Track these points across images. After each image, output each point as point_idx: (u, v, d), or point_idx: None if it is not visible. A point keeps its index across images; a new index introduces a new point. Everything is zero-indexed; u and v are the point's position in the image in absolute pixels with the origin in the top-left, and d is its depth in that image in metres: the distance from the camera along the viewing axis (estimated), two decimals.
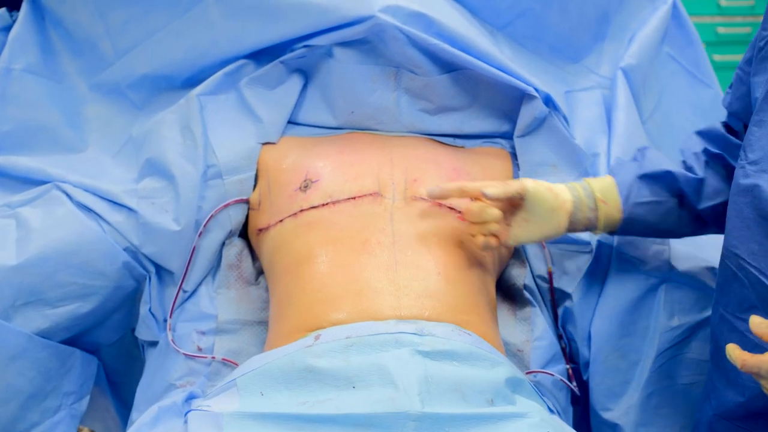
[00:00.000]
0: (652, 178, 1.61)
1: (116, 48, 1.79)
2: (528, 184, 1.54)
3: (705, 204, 1.59)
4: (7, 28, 1.79)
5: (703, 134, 1.65)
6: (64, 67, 1.82)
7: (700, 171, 1.59)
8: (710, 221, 1.60)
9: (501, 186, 1.52)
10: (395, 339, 1.36)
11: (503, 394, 1.36)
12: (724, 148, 1.58)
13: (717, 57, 3.12)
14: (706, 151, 1.61)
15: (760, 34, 1.44)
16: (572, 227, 1.58)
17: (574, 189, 1.59)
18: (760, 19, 3.18)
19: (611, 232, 1.64)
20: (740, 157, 1.41)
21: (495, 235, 1.55)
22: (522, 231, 1.56)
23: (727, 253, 1.42)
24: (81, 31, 1.80)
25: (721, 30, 3.14)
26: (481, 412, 1.30)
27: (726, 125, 1.61)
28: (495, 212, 1.52)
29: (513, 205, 1.55)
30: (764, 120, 1.38)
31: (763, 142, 1.37)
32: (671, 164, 1.62)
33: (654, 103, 1.99)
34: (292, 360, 1.36)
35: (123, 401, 1.89)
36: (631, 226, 1.61)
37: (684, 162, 1.63)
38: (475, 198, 1.54)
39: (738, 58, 2.95)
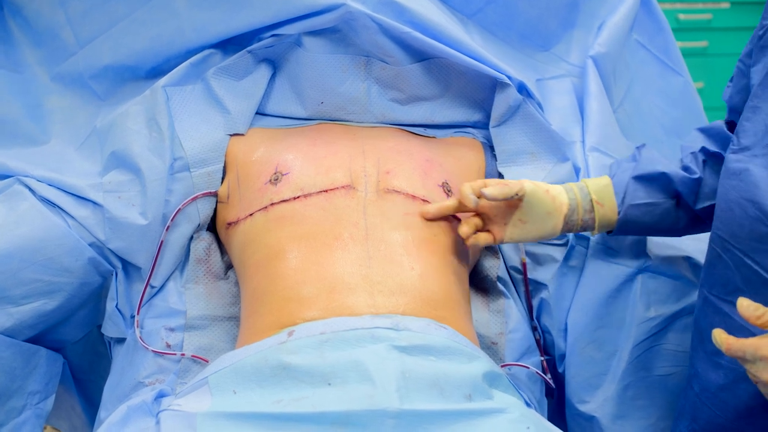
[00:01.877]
0: (647, 180, 1.60)
1: (78, 37, 1.75)
2: (527, 185, 1.53)
3: (702, 204, 1.59)
4: None
5: (704, 131, 1.64)
6: (24, 57, 1.77)
7: (697, 170, 1.58)
8: (709, 220, 1.58)
9: (500, 187, 1.51)
10: (371, 334, 1.34)
11: (481, 389, 1.34)
12: (723, 146, 1.57)
13: (678, 44, 3.12)
14: (704, 150, 1.60)
15: (760, 24, 1.43)
16: (568, 228, 1.58)
17: (571, 191, 1.59)
18: (721, 5, 3.21)
19: (608, 233, 1.64)
20: (732, 142, 1.41)
21: (489, 231, 1.56)
22: (517, 231, 1.56)
23: (713, 236, 1.42)
24: (41, 20, 1.75)
25: (682, 17, 3.14)
26: (460, 408, 1.28)
27: (727, 123, 1.59)
28: (465, 229, 1.55)
29: (510, 205, 1.55)
30: (759, 106, 1.38)
31: (756, 128, 1.37)
32: (667, 164, 1.61)
33: (624, 91, 1.98)
34: (266, 357, 1.33)
35: (89, 399, 1.84)
36: (627, 227, 1.61)
37: (681, 161, 1.62)
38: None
39: (699, 44, 2.97)
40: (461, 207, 1.55)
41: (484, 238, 1.56)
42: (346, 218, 1.53)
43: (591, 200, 1.58)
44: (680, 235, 1.68)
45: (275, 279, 1.48)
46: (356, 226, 1.52)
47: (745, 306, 1.22)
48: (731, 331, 1.27)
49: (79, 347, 1.77)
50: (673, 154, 1.93)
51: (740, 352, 1.21)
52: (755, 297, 1.26)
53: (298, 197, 1.56)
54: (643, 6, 1.98)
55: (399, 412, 1.23)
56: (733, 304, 1.27)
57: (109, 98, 1.77)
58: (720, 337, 1.24)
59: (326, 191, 1.56)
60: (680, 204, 1.60)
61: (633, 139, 1.94)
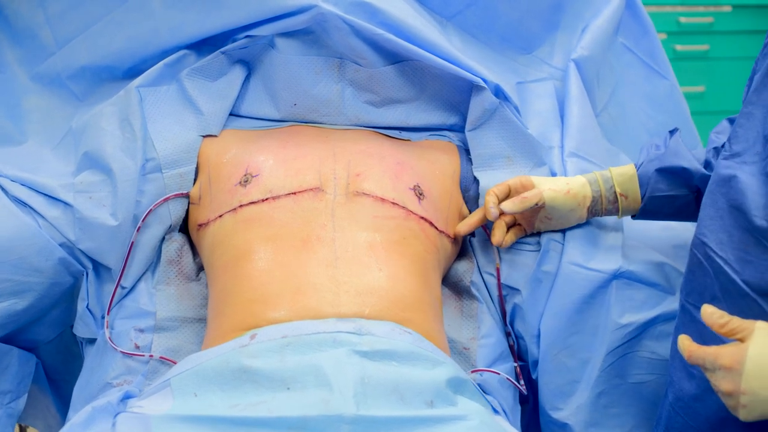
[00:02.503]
0: (670, 173, 1.62)
1: (56, 37, 1.75)
2: (546, 195, 1.60)
3: None
4: None
5: (732, 121, 1.62)
6: (4, 56, 1.78)
7: None
8: None
9: (519, 201, 1.58)
10: (333, 338, 1.33)
11: (444, 395, 1.33)
12: None
13: (679, 47, 3.11)
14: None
15: None
16: (592, 215, 1.66)
17: (595, 182, 1.63)
18: (722, 9, 3.18)
19: (638, 218, 1.68)
20: (724, 148, 1.40)
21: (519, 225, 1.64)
22: (544, 225, 1.66)
23: (696, 242, 1.41)
24: (20, 20, 1.76)
25: (683, 20, 3.12)
26: (419, 414, 1.28)
27: None
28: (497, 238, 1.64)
29: (534, 209, 1.61)
30: (752, 112, 1.37)
31: (748, 135, 1.36)
32: (691, 159, 1.61)
33: (608, 94, 1.96)
34: (227, 360, 1.33)
35: (63, 399, 1.84)
36: (647, 215, 1.66)
37: (706, 154, 1.62)
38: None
39: (700, 48, 2.94)
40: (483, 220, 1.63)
41: (514, 235, 1.66)
42: (314, 220, 1.52)
43: (615, 192, 1.63)
44: None
45: (241, 280, 1.48)
46: (324, 228, 1.51)
47: (709, 313, 1.22)
48: (705, 340, 1.26)
49: (52, 347, 1.77)
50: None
51: (700, 360, 1.21)
52: (731, 307, 1.26)
53: (266, 199, 1.55)
54: (628, 9, 1.95)
55: (355, 417, 1.23)
56: None
57: (87, 98, 1.77)
58: (683, 343, 1.24)
59: (294, 193, 1.56)
60: (699, 197, 1.56)
61: (618, 143, 1.92)
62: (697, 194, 1.59)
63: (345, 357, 1.30)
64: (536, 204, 1.58)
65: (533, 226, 1.65)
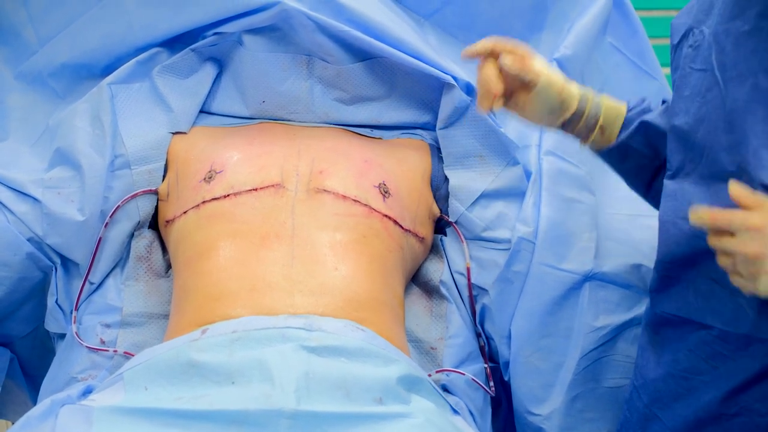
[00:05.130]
0: (653, 130, 1.52)
1: (39, 35, 1.77)
2: (542, 80, 1.45)
3: None
4: None
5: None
6: None
7: None
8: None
9: (518, 64, 1.44)
10: (282, 334, 1.33)
11: (395, 393, 1.31)
12: None
13: None
14: None
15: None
16: (561, 128, 1.53)
17: (585, 101, 1.50)
18: None
19: (595, 151, 1.57)
20: (668, 167, 1.38)
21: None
22: (516, 109, 1.51)
23: (656, 263, 1.42)
24: (5, 18, 1.78)
25: None
26: (363, 411, 1.26)
27: None
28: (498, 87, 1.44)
29: (522, 86, 1.48)
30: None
31: (675, 146, 1.36)
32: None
33: None
34: (177, 354, 1.33)
35: (39, 393, 1.85)
36: (607, 158, 1.57)
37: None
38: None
39: None
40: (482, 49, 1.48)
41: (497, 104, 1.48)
42: (274, 217, 1.52)
43: (597, 122, 1.51)
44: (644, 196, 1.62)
45: (200, 276, 1.48)
46: (283, 225, 1.51)
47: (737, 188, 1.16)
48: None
49: (27, 342, 1.79)
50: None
51: (726, 221, 1.15)
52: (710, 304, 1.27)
53: (228, 195, 1.55)
54: (617, 9, 1.91)
55: (294, 412, 1.22)
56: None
57: (68, 96, 1.79)
58: (701, 211, 1.17)
59: (256, 189, 1.55)
60: (659, 171, 1.53)
61: None
62: (659, 167, 1.53)
63: (291, 352, 1.29)
64: (526, 79, 1.44)
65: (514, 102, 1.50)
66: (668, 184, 1.37)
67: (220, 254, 1.49)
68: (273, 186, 1.56)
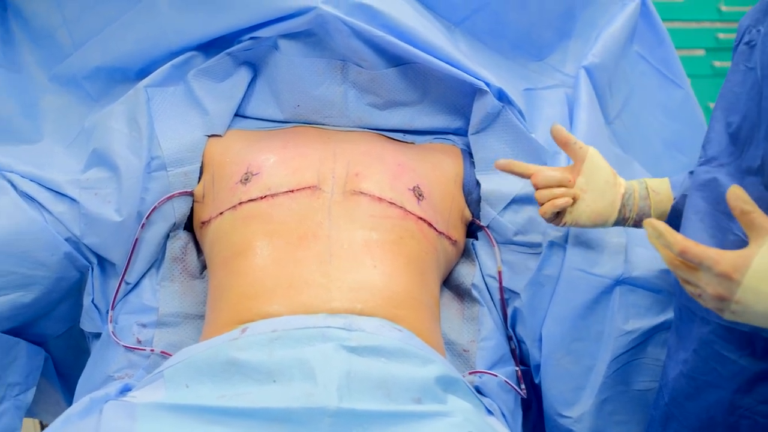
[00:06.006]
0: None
1: (73, 38, 1.79)
2: (590, 147, 1.52)
3: None
4: None
5: None
6: (23, 57, 1.82)
7: None
8: None
9: (564, 130, 1.51)
10: (322, 333, 1.34)
11: (433, 393, 1.33)
12: None
13: (717, 63, 3.05)
14: None
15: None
16: (623, 215, 1.56)
17: (626, 181, 1.57)
18: None
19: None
20: (700, 155, 1.39)
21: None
22: (579, 204, 1.53)
23: None
24: (39, 21, 1.80)
25: (722, 36, 3.06)
26: (402, 409, 1.28)
27: None
28: (567, 175, 1.51)
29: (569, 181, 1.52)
30: (717, 116, 1.36)
31: (720, 138, 1.35)
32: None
33: (621, 102, 1.94)
34: (217, 353, 1.34)
35: (72, 393, 1.85)
36: (679, 217, 1.53)
37: None
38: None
39: None
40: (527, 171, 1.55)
41: (566, 200, 1.52)
42: (310, 218, 1.54)
43: (647, 187, 1.55)
44: None
45: (236, 275, 1.50)
46: (320, 226, 1.52)
47: (736, 195, 1.18)
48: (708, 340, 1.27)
49: (62, 342, 1.81)
50: (672, 168, 1.89)
51: (697, 258, 1.18)
52: None
53: (265, 197, 1.57)
54: (643, 18, 1.93)
55: (337, 410, 1.23)
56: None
57: (102, 99, 1.81)
58: (676, 239, 1.20)
59: (292, 191, 1.57)
60: None
61: (631, 152, 1.90)
62: None
63: (332, 351, 1.31)
64: (579, 146, 1.50)
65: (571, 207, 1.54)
66: (701, 171, 1.37)
67: (256, 254, 1.50)
68: (309, 188, 1.58)
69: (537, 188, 1.55)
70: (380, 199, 1.58)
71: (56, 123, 1.80)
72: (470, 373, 1.59)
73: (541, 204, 1.54)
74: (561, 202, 1.50)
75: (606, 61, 1.85)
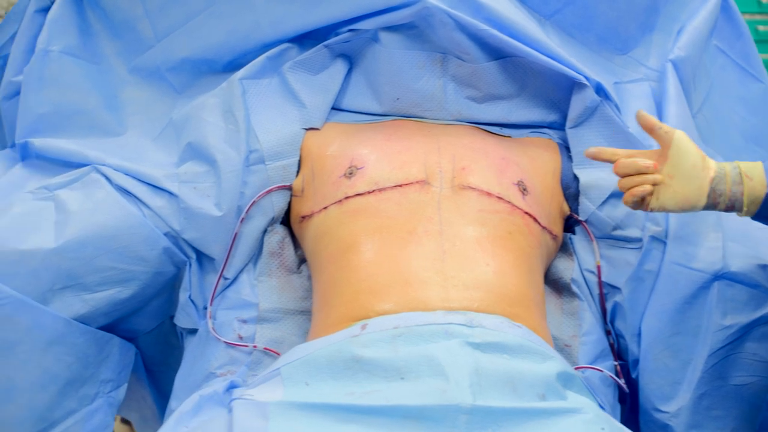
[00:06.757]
0: None
1: (156, 30, 1.77)
2: (677, 130, 1.47)
3: None
4: (46, 9, 1.76)
5: None
6: (102, 49, 1.80)
7: None
8: None
9: (653, 117, 1.47)
10: (444, 330, 1.33)
11: (554, 389, 1.32)
12: None
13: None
14: None
15: None
16: (713, 200, 1.47)
17: (718, 163, 1.49)
18: None
19: (753, 216, 1.51)
20: None
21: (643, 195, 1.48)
22: (666, 190, 1.47)
23: None
24: (119, 13, 1.78)
25: (762, 28, 3.07)
26: (534, 406, 1.27)
27: None
28: (646, 161, 1.46)
29: (661, 156, 1.48)
30: None
31: None
32: None
33: (703, 96, 1.94)
34: (339, 349, 1.33)
35: (160, 390, 1.85)
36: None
37: None
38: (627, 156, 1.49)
39: None
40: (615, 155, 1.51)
41: (644, 188, 1.47)
42: (420, 213, 1.52)
43: (740, 173, 1.47)
44: None
45: (348, 271, 1.48)
46: (431, 220, 1.51)
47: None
48: None
49: (151, 338, 1.78)
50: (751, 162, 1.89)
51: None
52: None
53: (372, 191, 1.56)
54: (722, 12, 1.94)
55: (472, 408, 1.23)
56: None
57: (186, 91, 1.79)
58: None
59: (401, 186, 1.56)
60: None
61: (712, 146, 1.90)
62: None
63: (458, 348, 1.30)
64: (665, 131, 1.45)
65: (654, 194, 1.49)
66: None
67: (368, 249, 1.49)
68: (418, 182, 1.56)
69: (618, 176, 1.52)
70: (488, 193, 1.57)
71: (139, 116, 1.78)
72: (576, 369, 1.59)
73: (623, 191, 1.51)
74: (639, 190, 1.46)
75: (691, 55, 1.84)
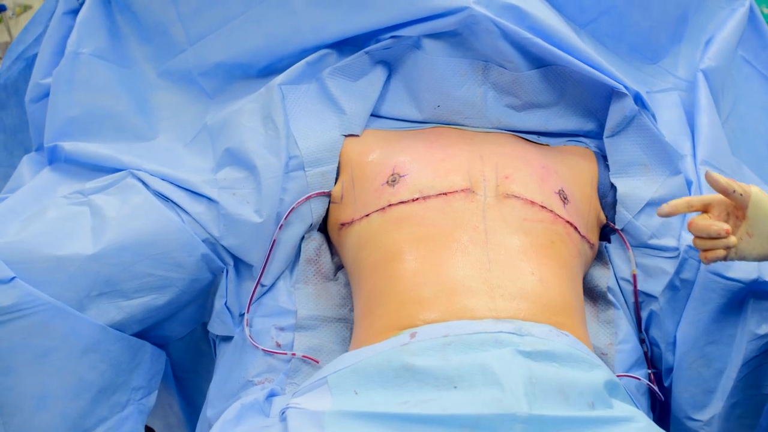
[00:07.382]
0: None
1: (189, 34, 1.75)
2: (754, 190, 1.43)
3: None
4: (75, 12, 1.75)
5: None
6: (131, 52, 1.78)
7: None
8: None
9: (727, 179, 1.43)
10: (495, 338, 1.32)
11: (602, 398, 1.32)
12: None
13: None
14: None
15: None
16: None
17: None
18: None
19: None
20: None
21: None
22: (745, 245, 1.45)
23: None
24: (150, 17, 1.76)
25: None
26: (587, 415, 1.27)
27: None
28: (720, 227, 1.43)
29: (736, 217, 1.47)
30: None
31: None
32: None
33: (730, 106, 1.95)
34: (388, 358, 1.32)
35: (187, 398, 1.83)
36: None
37: None
38: (702, 210, 1.47)
39: None
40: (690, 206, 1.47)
41: (717, 254, 1.45)
42: (465, 221, 1.52)
43: None
44: None
45: (393, 280, 1.47)
46: (476, 229, 1.50)
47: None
48: None
49: (182, 345, 1.77)
50: None
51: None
52: None
53: (416, 199, 1.55)
54: (749, 23, 1.95)
55: (528, 417, 1.22)
56: None
57: (218, 96, 1.77)
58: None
59: (445, 194, 1.55)
60: None
61: (738, 155, 1.91)
62: None
63: (510, 356, 1.29)
64: (740, 192, 1.41)
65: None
66: None
67: (412, 258, 1.48)
68: (463, 191, 1.56)
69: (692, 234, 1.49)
70: (532, 202, 1.56)
71: (171, 120, 1.76)
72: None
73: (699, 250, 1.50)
74: (712, 255, 1.45)
75: (720, 65, 1.86)
